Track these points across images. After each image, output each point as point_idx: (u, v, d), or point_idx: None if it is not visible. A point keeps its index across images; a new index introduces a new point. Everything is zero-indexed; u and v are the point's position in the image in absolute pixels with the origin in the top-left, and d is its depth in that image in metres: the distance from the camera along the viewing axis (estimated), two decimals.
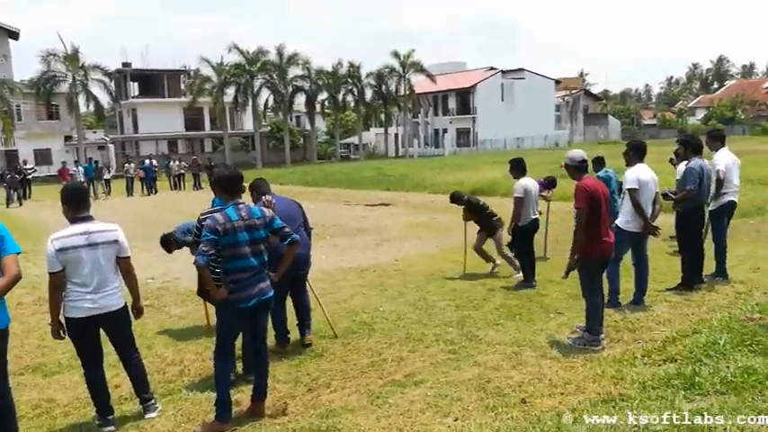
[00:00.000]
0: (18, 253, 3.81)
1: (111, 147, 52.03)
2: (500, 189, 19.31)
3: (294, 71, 50.68)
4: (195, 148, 53.20)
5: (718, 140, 7.13)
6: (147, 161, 29.58)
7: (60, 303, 4.13)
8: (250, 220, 4.22)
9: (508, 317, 6.42)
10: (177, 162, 30.64)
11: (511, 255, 8.42)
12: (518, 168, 7.99)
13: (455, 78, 57.98)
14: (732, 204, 7.05)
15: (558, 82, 63.41)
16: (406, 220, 14.80)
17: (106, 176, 27.40)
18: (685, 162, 8.80)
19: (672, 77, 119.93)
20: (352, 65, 53.11)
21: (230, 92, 49.14)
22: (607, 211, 5.35)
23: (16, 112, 43.53)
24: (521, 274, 7.99)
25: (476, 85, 55.85)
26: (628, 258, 6.50)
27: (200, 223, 5.09)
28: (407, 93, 53.74)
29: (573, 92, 67.93)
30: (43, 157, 45.61)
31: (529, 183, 7.90)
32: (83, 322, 4.14)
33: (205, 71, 48.89)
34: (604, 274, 5.68)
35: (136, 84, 54.87)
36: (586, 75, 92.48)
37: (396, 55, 52.63)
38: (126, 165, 28.27)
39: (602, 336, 5.31)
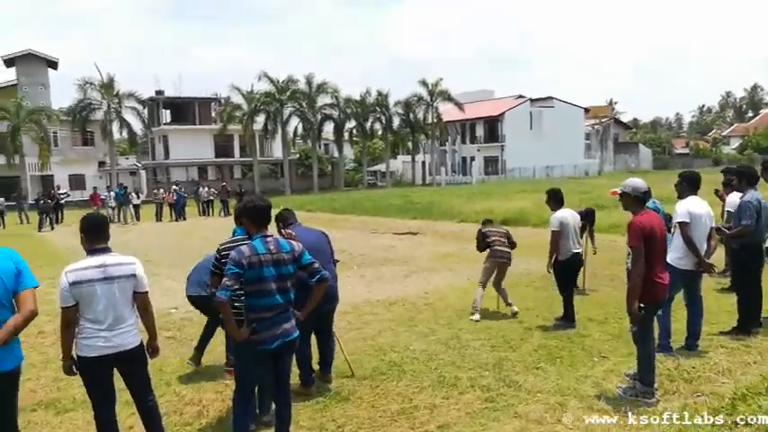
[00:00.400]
0: (35, 287, 3.58)
1: (143, 172, 52.90)
2: (531, 219, 18.89)
3: (323, 99, 51.28)
4: (225, 174, 53.81)
5: None
6: (174, 187, 29.80)
7: (72, 340, 3.86)
8: (278, 254, 3.96)
9: (548, 360, 5.97)
10: (206, 188, 30.84)
11: (505, 290, 8.06)
12: (555, 199, 7.56)
13: (483, 106, 57.84)
14: None
15: (587, 110, 62.80)
16: (434, 249, 14.41)
17: (135, 202, 27.62)
18: (739, 194, 8.38)
19: (704, 106, 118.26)
20: (380, 93, 53.44)
21: (260, 119, 49.77)
22: (663, 249, 4.92)
23: (53, 139, 44.60)
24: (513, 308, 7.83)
25: (504, 113, 55.58)
26: (679, 298, 6.03)
27: (220, 254, 4.83)
28: (435, 121, 53.72)
29: (602, 120, 67.17)
30: (77, 182, 46.60)
31: (566, 214, 7.47)
32: (95, 362, 3.85)
33: (235, 99, 49.75)
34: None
35: (168, 111, 56.00)
36: (615, 103, 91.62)
37: (423, 83, 52.82)
38: (155, 191, 28.50)
39: (656, 386, 4.85)
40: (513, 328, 7.25)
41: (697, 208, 5.59)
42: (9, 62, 46.09)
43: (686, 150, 78.10)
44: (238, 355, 4.13)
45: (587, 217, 9.51)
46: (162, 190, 28.57)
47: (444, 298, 9.08)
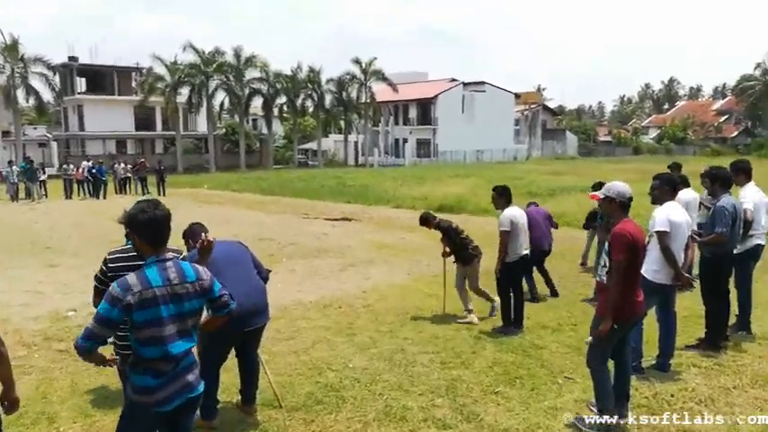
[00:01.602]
0: None
1: (54, 144, 49.04)
2: (467, 206, 18.41)
3: (252, 73, 48.99)
4: (146, 148, 50.75)
5: (742, 174, 6.17)
6: (85, 162, 27.39)
7: None
8: (181, 284, 2.94)
9: (507, 381, 5.27)
10: (123, 164, 28.61)
11: (487, 291, 7.34)
12: (503, 197, 6.83)
13: (416, 88, 57.20)
14: (759, 248, 6.10)
15: (517, 96, 63.49)
16: (370, 238, 13.57)
17: (42, 177, 25.15)
18: (690, 191, 7.99)
19: (624, 96, 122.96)
20: (312, 69, 51.73)
21: (184, 92, 47.07)
22: (641, 263, 4.30)
23: None
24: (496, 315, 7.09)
25: (437, 95, 55.19)
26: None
27: (107, 266, 3.79)
28: (368, 101, 52.67)
29: (532, 106, 68.21)
30: None
31: (515, 213, 6.78)
32: None
33: (158, 70, 46.73)
34: None
35: (83, 80, 52.01)
36: (544, 89, 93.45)
37: (357, 62, 51.54)
38: (65, 165, 26.06)
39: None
40: (463, 338, 6.53)
41: (677, 216, 4.99)
42: None
43: (609, 138, 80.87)
44: (125, 415, 3.06)
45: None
46: (72, 165, 26.15)
47: (384, 298, 8.26)
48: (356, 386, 5.21)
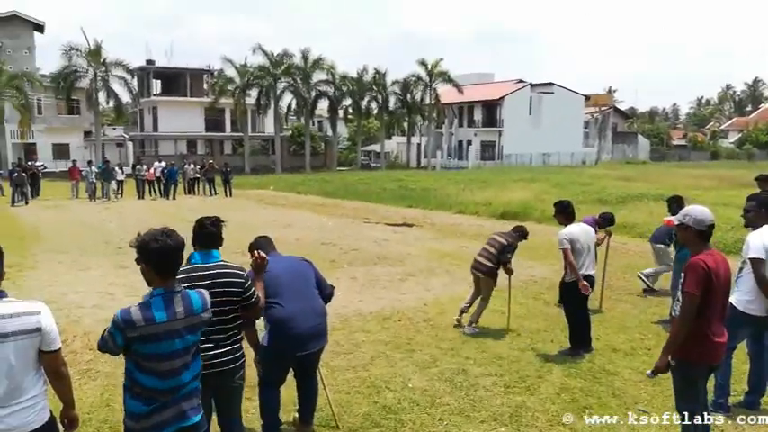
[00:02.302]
0: None
1: (130, 144, 51.31)
2: (533, 213, 17.84)
3: (318, 75, 49.67)
4: (215, 149, 52.36)
5: None
6: (157, 163, 28.38)
7: None
8: (188, 318, 2.93)
9: (575, 409, 4.96)
10: (192, 166, 29.51)
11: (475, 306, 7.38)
12: (564, 213, 6.45)
13: (482, 90, 56.47)
14: None
15: (587, 98, 61.61)
16: (432, 246, 13.35)
17: (119, 177, 26.27)
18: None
19: (702, 98, 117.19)
20: (377, 72, 51.89)
21: (253, 94, 48.23)
22: (725, 301, 3.86)
23: (37, 106, 42.93)
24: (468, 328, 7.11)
25: (503, 97, 54.26)
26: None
27: None
28: (432, 102, 52.38)
29: (602, 108, 66.00)
30: (61, 151, 45.06)
31: (576, 230, 6.36)
32: None
33: (228, 72, 48.08)
34: None
35: (158, 82, 54.22)
36: (615, 91, 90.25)
37: (422, 63, 51.35)
38: (138, 166, 27.13)
39: None
40: (528, 360, 6.23)
41: None
42: None
43: (684, 142, 77.28)
44: None
45: (603, 223, 8.50)
46: (144, 166, 27.19)
47: (445, 312, 8.02)
48: (415, 409, 5.02)
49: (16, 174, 23.12)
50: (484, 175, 34.60)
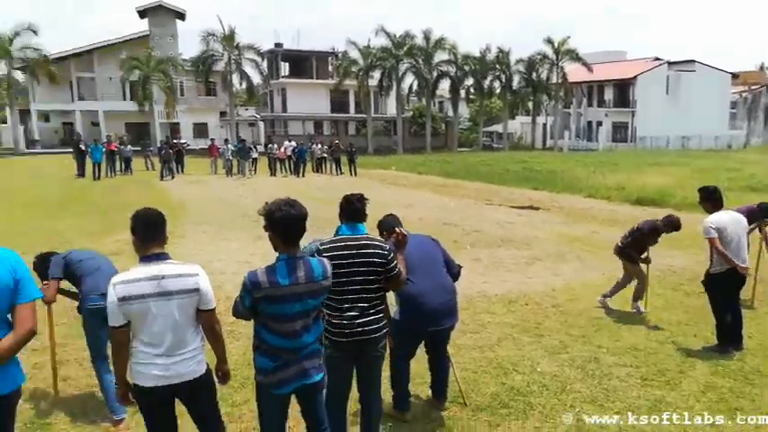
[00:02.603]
0: (36, 300, 2.83)
1: (261, 124, 54.19)
2: (671, 200, 16.68)
3: (440, 56, 49.31)
4: (339, 129, 53.91)
5: None
6: (287, 142, 29.70)
7: (126, 364, 3.12)
8: (308, 284, 3.12)
9: (724, 410, 4.60)
10: (319, 145, 30.60)
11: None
12: (710, 200, 5.89)
13: (613, 68, 53.20)
14: None
15: (735, 76, 56.09)
16: (560, 230, 12.88)
17: (253, 155, 27.85)
18: None
19: None
20: (501, 50, 50.58)
21: (376, 75, 48.92)
22: None
23: (179, 88, 46.53)
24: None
25: (637, 76, 50.81)
26: None
27: (321, 255, 3.89)
28: (560, 81, 50.24)
29: (753, 87, 59.85)
30: (200, 130, 48.65)
31: (724, 218, 5.79)
32: (151, 392, 3.09)
33: (353, 54, 49.05)
34: None
35: (286, 64, 56.57)
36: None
37: (549, 41, 49.36)
38: (270, 145, 28.56)
39: None
40: (667, 353, 5.85)
41: None
42: (142, 14, 48.29)
43: None
44: (256, 394, 3.36)
45: (760, 214, 7.71)
46: (275, 145, 28.59)
47: (576, 299, 7.74)
48: (544, 393, 4.91)
49: (164, 151, 25.26)
50: (616, 158, 32.79)
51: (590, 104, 55.94)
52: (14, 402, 2.93)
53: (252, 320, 3.25)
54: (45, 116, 48.12)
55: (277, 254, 3.16)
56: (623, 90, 52.51)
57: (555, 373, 5.33)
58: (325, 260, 3.30)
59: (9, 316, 2.75)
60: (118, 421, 4.35)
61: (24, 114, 45.89)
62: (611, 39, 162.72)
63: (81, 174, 24.63)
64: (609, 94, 54.03)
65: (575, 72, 50.83)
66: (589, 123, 55.25)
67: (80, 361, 5.42)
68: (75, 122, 45.84)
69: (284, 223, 3.10)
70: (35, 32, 40.25)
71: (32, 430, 4.22)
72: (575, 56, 49.12)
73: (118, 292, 2.95)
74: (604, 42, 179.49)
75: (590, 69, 48.46)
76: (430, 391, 4.76)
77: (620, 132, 52.35)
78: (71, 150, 26.72)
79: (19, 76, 45.50)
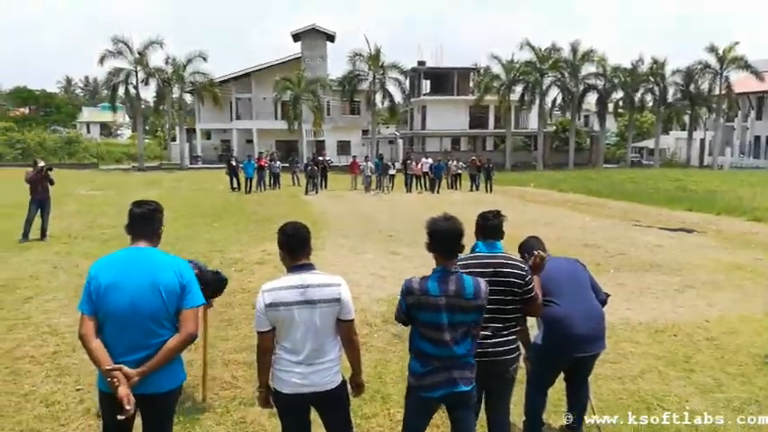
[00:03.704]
0: (200, 306, 3.12)
1: (401, 141, 55.43)
2: None
3: (587, 68, 47.44)
4: (477, 145, 53.67)
5: None
6: (424, 159, 30.05)
7: (269, 368, 3.31)
8: (457, 298, 3.19)
9: None
10: (455, 162, 30.67)
11: None
12: None
13: None
14: None
15: None
16: (717, 257, 11.73)
17: (391, 172, 28.60)
18: None
19: None
20: (655, 61, 47.56)
21: (518, 90, 48.15)
22: None
23: (326, 107, 49.03)
24: None
25: None
26: None
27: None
28: (723, 92, 45.93)
29: None
30: (343, 148, 50.86)
31: None
32: (288, 399, 3.26)
33: (495, 69, 48.73)
34: None
35: (428, 82, 57.44)
36: None
37: (712, 49, 45.34)
38: (408, 161, 29.14)
39: None
40: None
41: None
42: (296, 37, 51.64)
43: None
44: (405, 397, 3.52)
45: None
46: (413, 161, 29.10)
47: (734, 332, 6.98)
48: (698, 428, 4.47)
49: (310, 167, 26.74)
50: None
51: (759, 117, 50.51)
52: (176, 397, 3.25)
53: (406, 325, 3.44)
54: (207, 134, 53.14)
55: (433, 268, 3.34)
56: None
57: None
58: (483, 282, 3.33)
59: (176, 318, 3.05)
60: None
61: (189, 132, 50.98)
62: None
63: (234, 188, 26.72)
64: None
65: (741, 82, 46.28)
66: (756, 138, 49.89)
67: (226, 362, 5.85)
68: (231, 140, 50.02)
69: (441, 237, 3.26)
70: (204, 59, 44.89)
71: (182, 424, 4.61)
72: (743, 64, 44.72)
73: (266, 299, 3.16)
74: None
75: (761, 78, 43.81)
76: (564, 421, 4.54)
77: None
78: (225, 166, 29.10)
79: (187, 97, 50.79)
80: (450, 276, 3.23)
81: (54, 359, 5.90)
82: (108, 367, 2.89)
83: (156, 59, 47.44)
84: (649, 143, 54.83)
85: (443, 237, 3.25)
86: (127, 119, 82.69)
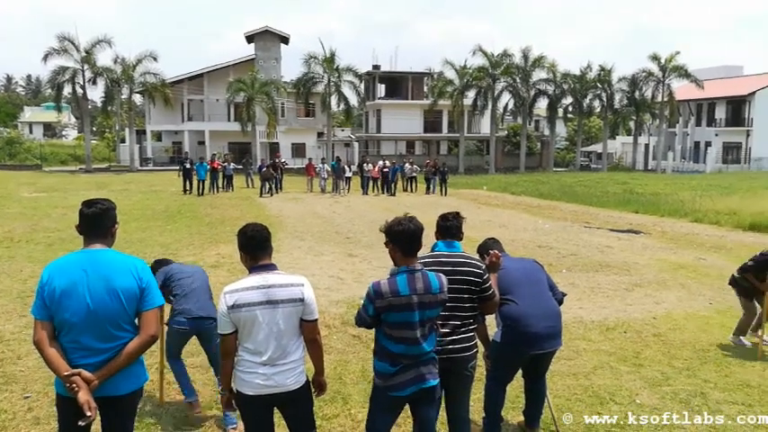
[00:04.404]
0: (160, 306, 3.06)
1: (356, 144, 55.44)
2: None
3: (539, 74, 48.53)
4: (431, 149, 54.12)
5: None
6: (380, 162, 30.17)
7: (231, 370, 3.27)
8: (426, 294, 3.27)
9: None
10: (411, 165, 30.88)
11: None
12: None
13: (727, 85, 50.01)
14: None
15: None
16: (662, 257, 12.20)
17: (348, 174, 28.56)
18: None
19: None
20: (602, 68, 49.03)
21: (470, 95, 48.80)
22: None
23: (280, 109, 48.55)
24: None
25: (754, 92, 47.37)
26: None
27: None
28: (665, 99, 47.79)
29: None
30: (298, 150, 50.38)
31: None
32: (252, 400, 3.22)
33: (448, 74, 49.23)
34: None
35: (383, 85, 57.63)
36: None
37: (655, 58, 47.11)
38: (364, 165, 29.17)
39: None
40: None
41: None
42: (249, 38, 50.93)
43: None
44: (371, 397, 3.57)
45: None
46: (369, 164, 29.16)
47: (679, 328, 7.29)
48: (644, 427, 4.64)
49: (264, 169, 26.42)
50: (727, 181, 30.68)
51: (698, 124, 52.80)
52: (137, 399, 3.17)
53: (370, 328, 3.46)
54: (158, 135, 51.80)
55: (394, 267, 3.37)
56: (737, 108, 49.18)
57: (656, 405, 5.02)
58: (443, 275, 3.42)
59: (136, 321, 2.98)
60: (191, 403, 4.76)
61: (140, 134, 49.62)
62: (725, 51, 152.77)
63: (186, 190, 26.16)
64: (721, 113, 50.73)
65: (682, 90, 48.29)
66: (696, 144, 52.12)
67: (186, 365, 5.73)
68: (183, 141, 48.95)
69: (404, 237, 3.30)
70: (155, 59, 43.75)
71: (140, 429, 4.49)
72: (683, 72, 46.64)
73: (228, 301, 3.12)
74: (717, 56, 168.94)
75: (700, 86, 45.81)
76: (522, 417, 4.64)
77: (732, 153, 48.96)
78: (178, 168, 28.43)
79: (137, 98, 49.40)
80: (416, 274, 3.29)
81: None
82: (66, 373, 2.79)
83: (104, 59, 46.11)
84: (597, 147, 56.50)
85: (406, 236, 3.30)
86: (73, 119, 79.84)
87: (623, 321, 7.53)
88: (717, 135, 50.12)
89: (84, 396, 2.77)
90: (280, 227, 15.62)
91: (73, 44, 41.53)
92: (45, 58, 41.21)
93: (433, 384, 3.39)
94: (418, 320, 3.26)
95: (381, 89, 57.57)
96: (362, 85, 48.25)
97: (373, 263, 10.68)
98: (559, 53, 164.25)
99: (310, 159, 31.66)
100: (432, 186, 28.92)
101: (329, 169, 28.17)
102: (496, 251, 3.90)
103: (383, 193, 28.15)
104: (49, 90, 49.92)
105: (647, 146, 53.91)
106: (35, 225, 14.90)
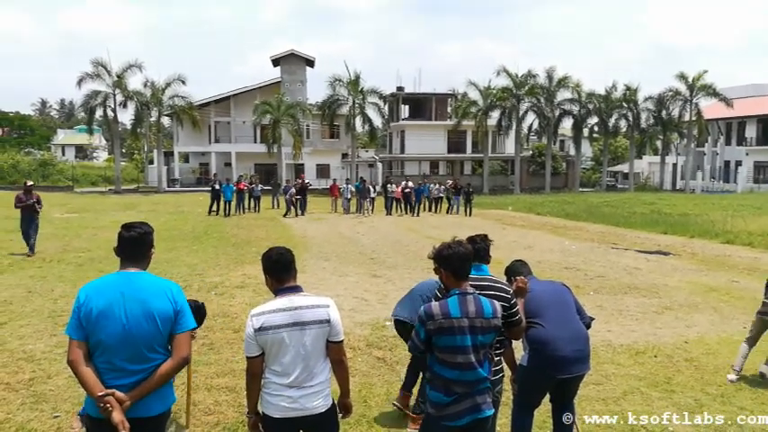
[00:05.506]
0: (192, 329, 3.11)
1: (380, 165, 55.69)
2: None
3: (563, 94, 48.44)
4: (455, 169, 54.11)
5: None
6: (403, 182, 30.22)
7: (258, 393, 3.27)
8: (478, 318, 3.22)
9: None
10: (436, 185, 30.89)
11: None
12: None
13: (757, 103, 49.16)
14: None
15: None
16: (693, 279, 11.94)
17: (372, 195, 28.68)
18: None
19: None
20: (628, 87, 48.75)
21: (494, 115, 48.84)
22: None
23: (305, 131, 49.15)
24: None
25: None
26: None
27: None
28: (693, 118, 47.18)
29: None
30: (322, 171, 50.87)
31: None
32: (277, 422, 3.21)
33: (472, 95, 49.42)
34: None
35: (407, 106, 58.01)
36: None
37: (682, 77, 46.67)
38: (388, 185, 29.26)
39: None
40: None
41: None
42: (275, 62, 51.85)
43: None
44: (422, 425, 3.53)
45: None
46: (393, 185, 29.24)
47: (712, 353, 7.10)
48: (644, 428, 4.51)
49: (290, 191, 26.65)
50: (759, 201, 30.02)
51: (728, 143, 51.95)
52: (165, 421, 3.19)
53: (423, 354, 3.42)
54: (185, 157, 52.78)
55: (447, 291, 3.39)
56: None
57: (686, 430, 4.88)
58: (497, 302, 3.41)
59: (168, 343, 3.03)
60: None
61: (167, 155, 50.59)
62: (748, 70, 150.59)
63: (212, 211, 26.38)
64: (751, 132, 49.88)
65: (711, 108, 47.63)
66: (726, 163, 51.23)
67: (209, 387, 5.76)
68: (210, 163, 49.73)
69: (455, 260, 3.33)
70: (183, 82, 44.80)
71: None
72: (711, 91, 46.08)
73: (255, 323, 3.13)
74: (740, 75, 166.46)
75: (729, 105, 45.15)
76: None
77: (764, 173, 47.94)
78: (208, 189, 28.69)
79: (166, 120, 50.45)
80: (468, 297, 3.27)
81: (30, 386, 5.73)
82: (101, 393, 2.83)
83: (134, 82, 47.24)
84: (624, 167, 55.91)
85: (456, 259, 3.32)
86: (103, 141, 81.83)
87: (653, 345, 7.36)
88: (747, 154, 49.23)
89: (118, 416, 2.80)
90: (304, 247, 15.69)
91: (105, 69, 42.73)
92: (79, 82, 42.50)
93: (489, 415, 3.34)
94: (471, 345, 3.21)
95: (405, 110, 57.96)
96: (386, 107, 48.62)
97: (397, 283, 10.65)
98: (582, 73, 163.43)
99: (335, 180, 31.92)
100: (455, 206, 28.84)
101: (353, 190, 28.32)
102: (523, 277, 3.86)
103: (407, 213, 28.14)
104: (82, 113, 51.38)
105: (674, 165, 53.18)
106: (66, 245, 15.21)
